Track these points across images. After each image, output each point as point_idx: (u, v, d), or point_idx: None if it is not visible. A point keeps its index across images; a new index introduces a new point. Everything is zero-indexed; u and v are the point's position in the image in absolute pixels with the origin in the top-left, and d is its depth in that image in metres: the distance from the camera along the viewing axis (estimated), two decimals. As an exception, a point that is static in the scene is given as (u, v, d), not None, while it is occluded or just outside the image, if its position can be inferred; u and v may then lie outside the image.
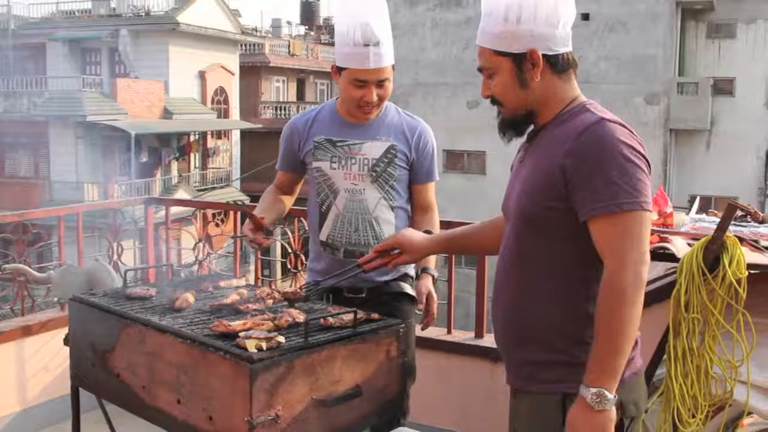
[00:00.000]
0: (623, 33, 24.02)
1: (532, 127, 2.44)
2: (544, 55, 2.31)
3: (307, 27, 51.63)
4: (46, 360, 5.25)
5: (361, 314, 2.79)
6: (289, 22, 51.96)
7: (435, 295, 3.33)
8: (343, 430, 2.69)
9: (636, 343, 2.35)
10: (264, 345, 2.46)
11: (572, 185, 2.20)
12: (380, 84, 3.19)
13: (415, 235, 2.90)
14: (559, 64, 2.34)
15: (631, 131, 2.27)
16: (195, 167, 33.72)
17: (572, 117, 2.31)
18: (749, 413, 3.14)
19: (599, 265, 2.20)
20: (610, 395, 2.15)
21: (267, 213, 3.38)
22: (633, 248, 2.15)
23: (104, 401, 3.35)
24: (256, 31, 44.69)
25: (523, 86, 2.34)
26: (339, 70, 3.21)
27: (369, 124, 3.32)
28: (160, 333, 2.73)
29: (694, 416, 3.04)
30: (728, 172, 24.16)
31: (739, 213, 3.44)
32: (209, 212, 27.76)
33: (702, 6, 24.72)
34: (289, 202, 3.62)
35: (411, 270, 3.48)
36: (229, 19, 34.84)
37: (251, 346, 2.45)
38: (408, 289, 3.42)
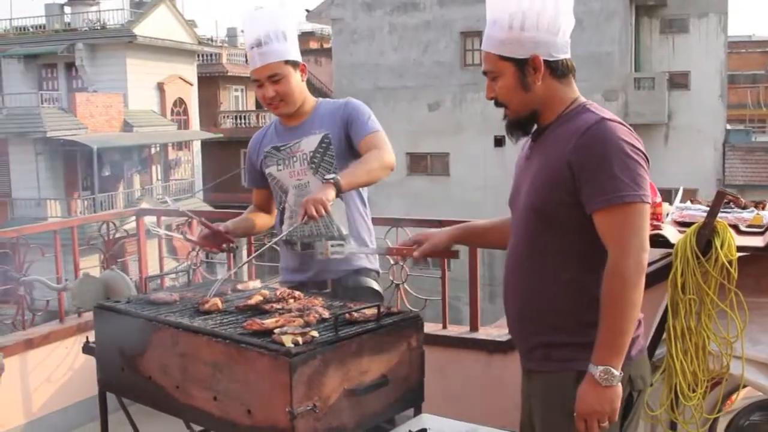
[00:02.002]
0: (579, 31, 24.12)
1: (535, 126, 2.63)
2: (545, 61, 2.50)
3: (262, 35, 51.53)
4: (48, 372, 5.35)
5: (383, 308, 2.96)
6: (243, 31, 51.85)
7: (317, 198, 3.06)
8: (371, 417, 2.85)
9: (639, 323, 2.56)
10: (300, 340, 2.61)
11: (579, 181, 2.40)
12: (274, 80, 3.43)
13: (431, 231, 3.09)
14: (559, 70, 2.54)
15: (630, 129, 2.47)
16: (157, 179, 33.60)
17: (575, 117, 2.50)
18: (744, 386, 3.35)
19: (605, 253, 2.40)
20: (617, 372, 2.36)
21: (233, 224, 3.65)
22: (634, 237, 2.35)
23: (127, 403, 3.48)
24: (212, 40, 44.60)
25: (526, 89, 2.53)
26: None
27: (303, 124, 3.57)
28: (194, 334, 2.87)
29: (694, 391, 3.25)
30: (687, 164, 24.57)
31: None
32: (174, 224, 27.66)
33: (655, 2, 25.15)
34: (265, 219, 3.82)
35: (376, 264, 3.67)
36: (185, 30, 34.76)
37: (288, 341, 2.60)
38: (373, 284, 3.61)
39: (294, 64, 3.48)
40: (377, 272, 3.68)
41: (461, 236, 3.09)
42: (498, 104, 2.62)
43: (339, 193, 3.15)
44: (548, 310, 2.55)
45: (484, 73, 2.62)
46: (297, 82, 3.51)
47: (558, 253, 2.52)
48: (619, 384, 2.38)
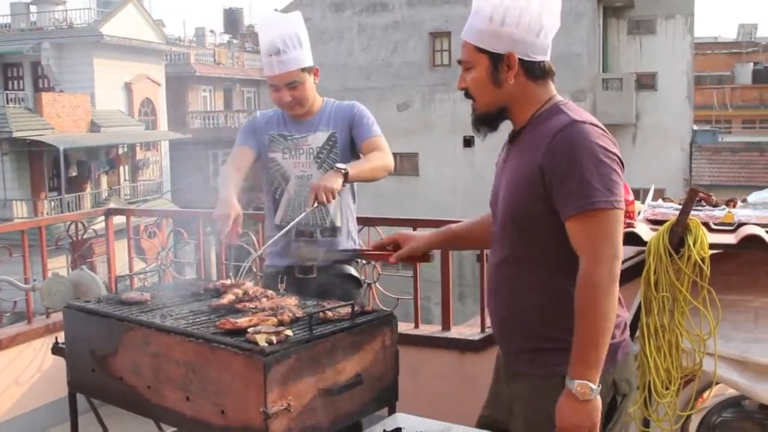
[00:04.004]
0: (548, 32, 24.46)
1: (509, 125, 2.58)
2: (521, 60, 2.43)
3: (230, 35, 51.31)
4: (17, 373, 5.27)
5: (357, 307, 2.94)
6: (212, 31, 51.54)
7: (327, 186, 3.28)
8: (346, 417, 2.83)
9: (625, 327, 2.54)
10: (274, 339, 2.59)
11: (551, 187, 2.34)
12: (291, 86, 3.60)
13: (409, 234, 3.08)
14: (535, 71, 2.46)
15: (604, 131, 2.40)
16: (125, 180, 33.35)
17: (548, 118, 2.43)
18: (717, 383, 3.37)
19: None
20: (594, 386, 2.31)
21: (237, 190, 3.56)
22: (606, 245, 2.30)
23: (97, 404, 3.43)
24: (180, 40, 44.33)
25: (497, 85, 2.46)
26: None
27: (312, 120, 3.75)
28: (166, 334, 2.84)
29: (667, 388, 3.26)
30: (655, 165, 24.75)
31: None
32: (142, 225, 27.44)
33: (622, 3, 25.35)
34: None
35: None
36: (153, 30, 34.53)
37: (262, 340, 2.57)
38: (352, 271, 3.75)
39: (309, 69, 3.66)
40: (357, 262, 3.87)
41: (441, 241, 3.06)
42: (468, 95, 2.56)
43: (345, 182, 3.38)
44: (532, 317, 2.51)
45: (459, 62, 2.55)
46: (311, 85, 3.70)
47: (538, 260, 2.47)
48: (598, 397, 2.34)
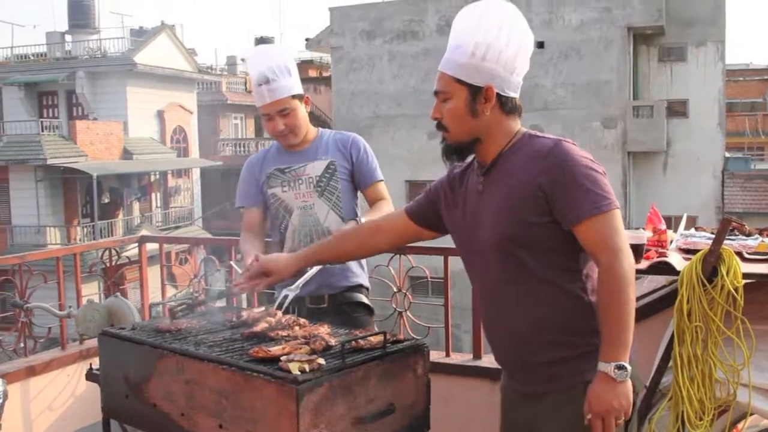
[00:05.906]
0: (578, 60, 24.48)
1: (473, 157, 2.74)
2: (497, 94, 2.60)
3: (262, 63, 51.70)
4: (50, 399, 5.32)
5: (389, 336, 2.96)
6: (243, 60, 51.99)
7: None
8: (378, 446, 2.84)
9: None
10: (307, 367, 2.61)
11: (552, 200, 2.50)
12: (283, 114, 3.70)
13: (280, 257, 3.22)
14: (507, 106, 2.63)
15: (580, 147, 2.60)
16: (157, 207, 33.66)
17: (526, 144, 2.62)
18: (751, 414, 3.34)
19: (583, 259, 2.55)
20: (628, 366, 2.43)
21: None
22: (621, 239, 2.47)
23: (130, 430, 3.46)
24: (212, 69, 44.77)
25: (473, 116, 2.62)
26: None
27: (308, 149, 3.85)
28: (200, 361, 2.86)
29: (701, 419, 3.24)
30: (686, 192, 24.61)
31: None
32: (174, 251, 27.61)
33: (653, 31, 25.25)
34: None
35: (366, 281, 3.93)
36: (185, 58, 34.95)
37: (294, 368, 2.59)
38: (364, 299, 3.91)
39: (300, 97, 3.74)
40: (367, 288, 3.97)
41: (308, 261, 3.21)
42: (440, 126, 2.70)
43: None
44: (546, 328, 2.60)
45: (435, 93, 2.69)
46: (303, 113, 3.77)
47: (541, 272, 2.58)
48: (629, 379, 2.44)
